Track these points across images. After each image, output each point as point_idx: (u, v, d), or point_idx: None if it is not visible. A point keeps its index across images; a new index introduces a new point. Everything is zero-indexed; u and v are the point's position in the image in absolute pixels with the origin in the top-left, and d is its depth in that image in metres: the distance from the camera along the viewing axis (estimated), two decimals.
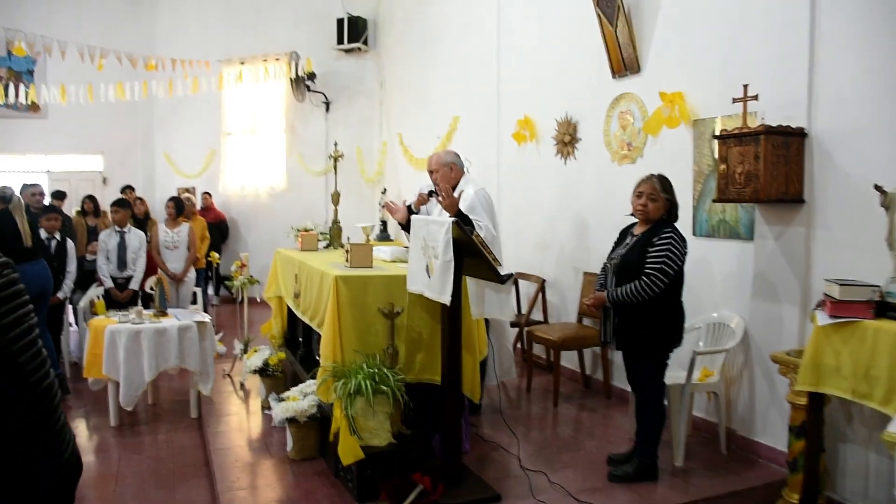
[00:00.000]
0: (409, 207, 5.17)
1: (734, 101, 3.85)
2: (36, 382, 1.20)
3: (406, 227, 5.20)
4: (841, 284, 3.11)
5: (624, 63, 5.08)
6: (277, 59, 10.25)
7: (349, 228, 6.15)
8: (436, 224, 3.40)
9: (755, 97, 3.75)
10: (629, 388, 3.99)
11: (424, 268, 3.48)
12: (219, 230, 9.96)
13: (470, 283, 3.73)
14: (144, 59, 9.17)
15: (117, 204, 6.42)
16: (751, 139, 3.68)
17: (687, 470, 3.88)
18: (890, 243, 3.13)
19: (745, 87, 3.78)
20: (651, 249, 3.54)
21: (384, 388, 3.39)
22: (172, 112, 10.79)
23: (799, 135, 3.71)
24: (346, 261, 4.05)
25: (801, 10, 3.72)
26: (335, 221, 5.65)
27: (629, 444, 4.15)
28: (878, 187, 3.11)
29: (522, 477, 3.70)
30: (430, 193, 4.97)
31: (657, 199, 3.63)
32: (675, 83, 4.63)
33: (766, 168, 3.63)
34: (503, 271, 3.47)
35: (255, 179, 10.63)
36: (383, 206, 5.19)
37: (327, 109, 10.24)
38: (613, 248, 3.83)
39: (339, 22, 9.78)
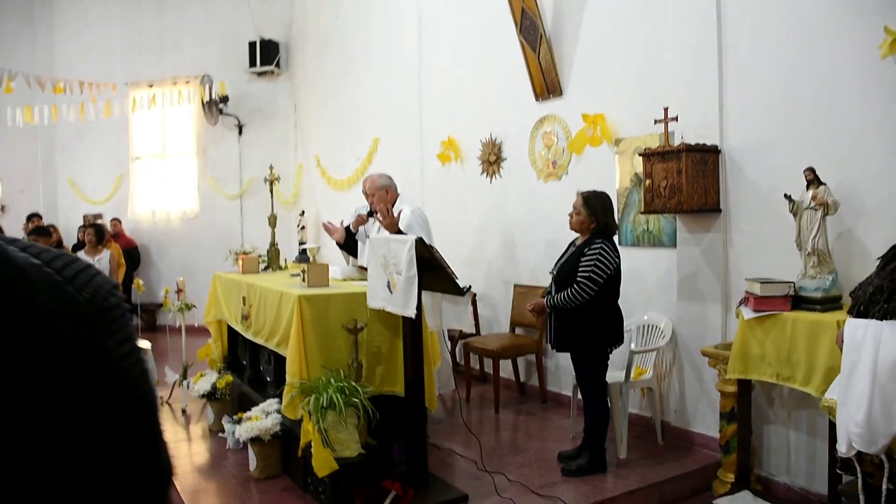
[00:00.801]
0: (346, 228, 5.36)
1: (656, 122, 4.27)
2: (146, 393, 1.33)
3: (344, 246, 5.38)
4: (761, 282, 3.55)
5: (546, 87, 5.46)
6: (188, 82, 10.13)
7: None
8: (397, 242, 3.61)
9: (675, 118, 4.19)
10: (567, 392, 4.31)
11: (385, 284, 3.67)
12: (130, 257, 9.68)
13: (426, 296, 3.94)
14: (53, 82, 8.88)
15: (35, 233, 6.23)
16: (673, 156, 4.11)
17: (630, 461, 4.22)
18: (799, 244, 3.60)
19: (666, 109, 4.21)
20: (583, 259, 3.88)
21: (354, 400, 3.55)
22: (76, 136, 10.43)
23: (713, 151, 4.17)
24: (303, 280, 4.17)
25: (710, 37, 4.20)
26: (273, 244, 5.71)
27: (572, 443, 4.48)
28: (787, 196, 3.58)
29: (484, 478, 3.93)
30: (370, 214, 5.17)
31: (580, 212, 4.00)
32: (597, 105, 5.05)
33: (688, 182, 4.06)
34: (461, 284, 3.71)
35: (167, 204, 10.41)
36: (323, 226, 5.32)
37: (240, 132, 10.19)
38: (558, 259, 4.16)
39: (252, 45, 9.78)
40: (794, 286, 3.53)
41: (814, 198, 3.49)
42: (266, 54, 9.79)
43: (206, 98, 9.41)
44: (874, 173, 3.51)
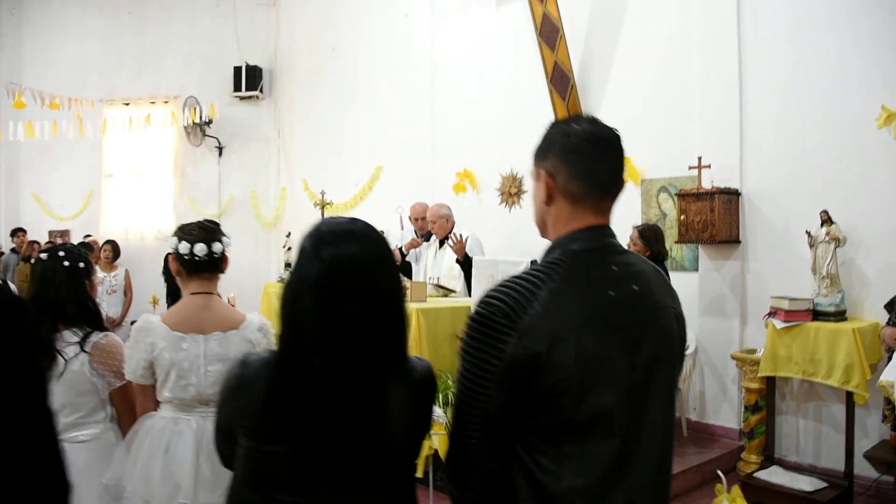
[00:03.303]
0: (399, 250, 6.13)
1: (690, 168, 5.34)
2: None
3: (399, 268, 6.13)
4: (789, 300, 4.64)
5: None
6: (166, 102, 10.50)
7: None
8: (507, 263, 4.46)
9: (708, 166, 5.26)
10: None
11: None
12: None
13: None
14: (33, 93, 9.07)
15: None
16: (706, 197, 5.17)
17: None
18: (814, 270, 4.72)
19: (700, 158, 5.28)
20: None
21: None
22: (43, 150, 10.49)
23: (735, 193, 5.28)
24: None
25: (732, 91, 5.31)
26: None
27: None
28: (807, 232, 4.70)
29: None
30: (426, 238, 5.98)
31: (636, 243, 4.98)
32: None
33: (720, 218, 5.13)
34: None
35: (141, 222, 10.66)
36: None
37: (220, 154, 10.62)
38: None
39: (237, 70, 10.29)
40: (812, 302, 4.64)
41: (828, 233, 4.62)
42: (251, 80, 10.32)
43: (196, 119, 9.83)
44: (870, 215, 4.68)
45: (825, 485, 4.38)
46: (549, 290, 1.46)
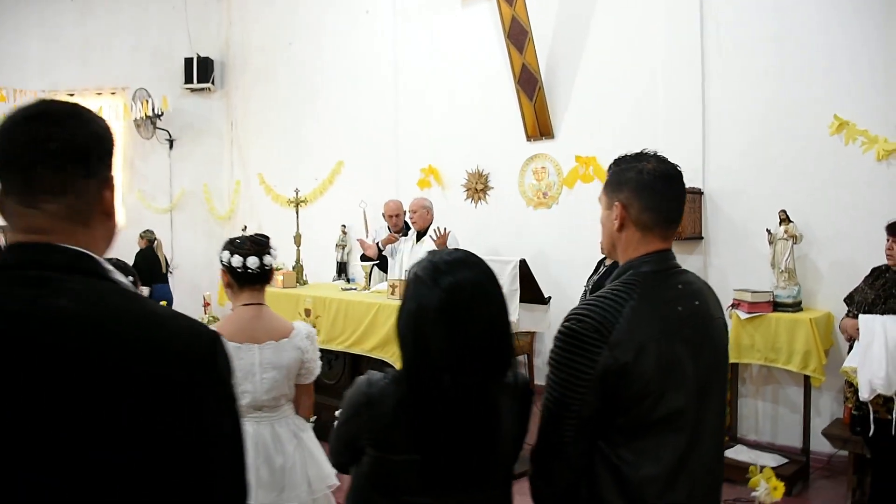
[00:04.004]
0: (377, 245, 6.33)
1: None
2: None
3: (376, 261, 6.32)
4: (752, 292, 5.06)
5: (539, 130, 6.75)
6: (113, 93, 10.33)
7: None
8: (497, 263, 4.70)
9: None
10: None
11: None
12: None
13: None
14: None
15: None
16: None
17: None
18: (773, 264, 5.15)
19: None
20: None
21: None
22: None
23: (698, 193, 5.67)
24: (392, 293, 5.11)
25: (695, 92, 5.69)
26: (298, 261, 6.49)
27: None
28: (768, 230, 5.12)
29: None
30: (403, 232, 6.20)
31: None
32: (588, 148, 6.42)
33: (685, 216, 5.51)
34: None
35: None
36: (359, 242, 6.27)
37: (171, 146, 10.52)
38: (590, 276, 5.43)
39: (188, 61, 10.19)
40: (772, 294, 5.07)
41: (786, 231, 5.05)
42: (203, 72, 10.24)
43: (149, 112, 9.71)
44: (823, 215, 5.14)
45: (786, 461, 4.84)
46: (630, 308, 1.73)
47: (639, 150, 2.02)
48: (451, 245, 5.82)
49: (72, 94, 10.21)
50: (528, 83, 6.63)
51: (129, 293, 1.18)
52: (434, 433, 1.63)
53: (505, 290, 4.61)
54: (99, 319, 1.08)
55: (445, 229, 5.62)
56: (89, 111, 1.25)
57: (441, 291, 1.66)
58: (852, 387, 3.91)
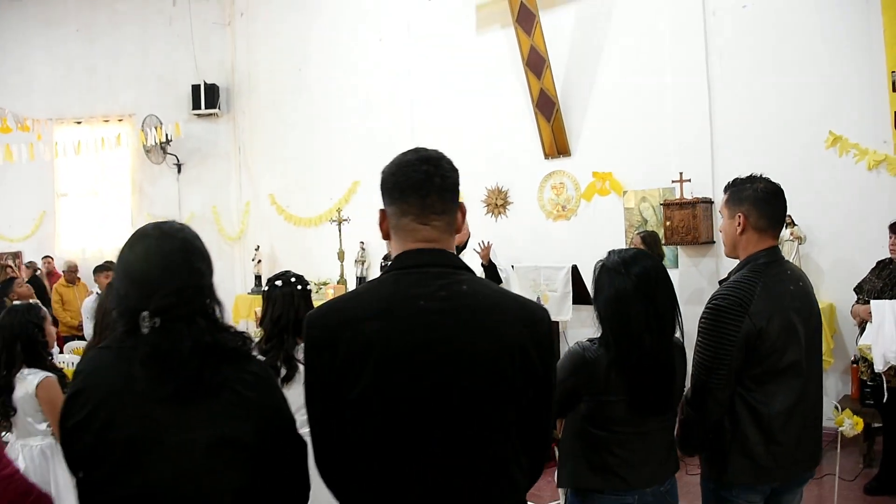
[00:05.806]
0: None
1: (673, 181, 6.49)
2: None
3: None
4: None
5: (557, 148, 7.50)
6: (120, 120, 10.80)
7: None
8: (550, 269, 5.41)
9: (689, 180, 6.43)
10: None
11: (536, 299, 5.45)
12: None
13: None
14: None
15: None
16: (689, 206, 6.34)
17: None
18: None
19: (681, 173, 6.45)
20: None
21: None
22: None
23: (709, 202, 6.48)
24: None
25: (702, 109, 6.50)
26: (342, 275, 7.11)
27: None
28: None
29: None
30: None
31: (639, 247, 6.08)
32: (604, 164, 7.19)
33: (700, 223, 6.31)
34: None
35: (99, 241, 10.87)
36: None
37: (179, 171, 11.00)
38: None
39: (195, 88, 10.72)
40: None
41: (792, 234, 5.88)
42: (210, 98, 10.77)
43: (161, 139, 10.19)
44: (822, 219, 5.98)
45: None
46: (760, 288, 2.47)
47: (749, 174, 2.73)
48: (493, 258, 6.45)
49: (79, 122, 10.69)
50: (546, 106, 7.38)
51: (484, 279, 1.87)
52: (639, 378, 2.32)
53: (559, 292, 5.35)
54: (492, 297, 1.75)
55: (488, 242, 6.28)
56: (449, 159, 1.91)
57: (634, 277, 2.35)
58: (867, 361, 4.71)
